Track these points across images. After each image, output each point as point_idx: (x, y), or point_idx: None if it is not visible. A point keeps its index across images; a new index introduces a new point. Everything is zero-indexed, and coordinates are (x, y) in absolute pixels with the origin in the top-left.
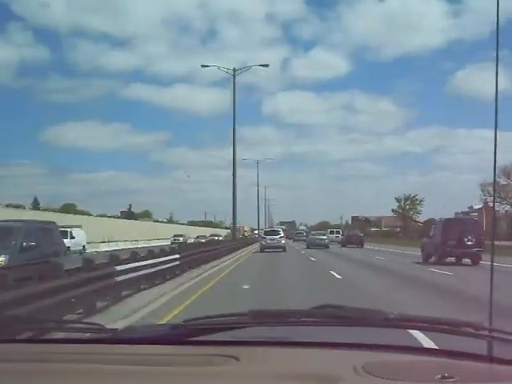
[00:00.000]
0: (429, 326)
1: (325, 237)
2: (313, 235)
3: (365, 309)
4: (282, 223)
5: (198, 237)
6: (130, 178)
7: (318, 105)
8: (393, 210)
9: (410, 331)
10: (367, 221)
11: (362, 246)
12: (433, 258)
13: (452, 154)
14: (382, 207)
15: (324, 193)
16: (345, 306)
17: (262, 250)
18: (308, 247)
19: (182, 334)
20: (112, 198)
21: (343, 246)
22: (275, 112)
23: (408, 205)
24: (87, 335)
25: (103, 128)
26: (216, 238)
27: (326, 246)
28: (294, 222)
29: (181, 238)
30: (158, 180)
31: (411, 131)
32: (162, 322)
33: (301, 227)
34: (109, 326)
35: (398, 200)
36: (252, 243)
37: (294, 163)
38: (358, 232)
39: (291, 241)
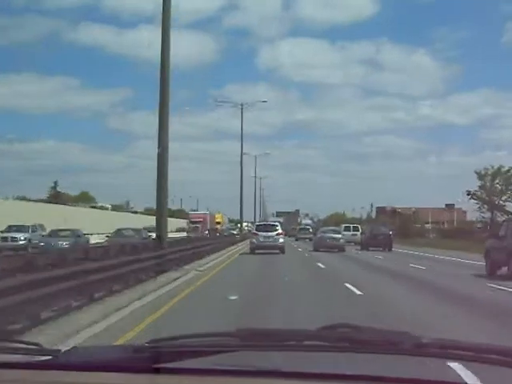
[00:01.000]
0: (474, 355)
1: (339, 235)
2: (323, 232)
3: (389, 331)
4: (279, 214)
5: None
6: (76, 150)
7: (331, 57)
8: (470, 194)
9: (449, 362)
10: (397, 213)
11: (390, 249)
12: (504, 270)
13: (508, 128)
14: (413, 196)
15: (337, 176)
16: (363, 327)
17: (252, 251)
18: (316, 249)
19: (146, 359)
20: (51, 176)
21: (364, 248)
22: (274, 66)
23: (499, 183)
24: (21, 358)
25: (42, 83)
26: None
27: (341, 249)
28: (297, 211)
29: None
30: (114, 154)
31: (454, 96)
32: (120, 343)
33: (305, 221)
34: (49, 347)
35: (480, 176)
36: (233, 244)
37: (297, 135)
38: (385, 228)
39: (292, 239)
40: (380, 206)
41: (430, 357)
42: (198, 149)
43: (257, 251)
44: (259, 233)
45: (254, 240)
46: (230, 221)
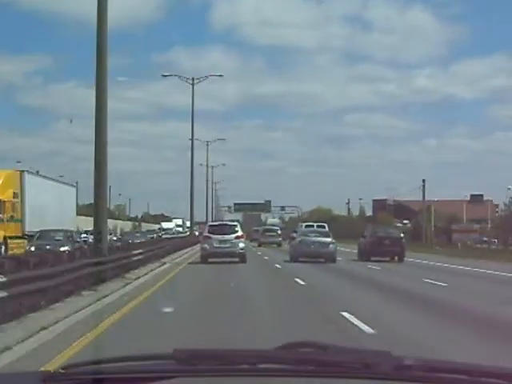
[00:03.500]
0: (466, 379)
1: (329, 239)
2: (304, 235)
3: (364, 350)
4: (239, 208)
5: None
6: None
7: (305, 14)
8: None
9: None
10: (403, 208)
11: (402, 260)
12: None
13: None
14: (409, 188)
15: (312, 164)
16: (330, 345)
17: (204, 260)
18: (294, 259)
19: None
20: None
21: (364, 257)
22: (232, 25)
23: None
24: None
25: None
26: None
27: (331, 258)
28: (267, 202)
29: None
30: (28, 136)
31: (458, 63)
32: (30, 370)
33: (271, 219)
34: None
35: None
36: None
37: (261, 113)
38: (394, 230)
39: (255, 244)
40: (379, 198)
41: (412, 382)
42: (137, 130)
43: (210, 260)
44: (213, 236)
45: (206, 245)
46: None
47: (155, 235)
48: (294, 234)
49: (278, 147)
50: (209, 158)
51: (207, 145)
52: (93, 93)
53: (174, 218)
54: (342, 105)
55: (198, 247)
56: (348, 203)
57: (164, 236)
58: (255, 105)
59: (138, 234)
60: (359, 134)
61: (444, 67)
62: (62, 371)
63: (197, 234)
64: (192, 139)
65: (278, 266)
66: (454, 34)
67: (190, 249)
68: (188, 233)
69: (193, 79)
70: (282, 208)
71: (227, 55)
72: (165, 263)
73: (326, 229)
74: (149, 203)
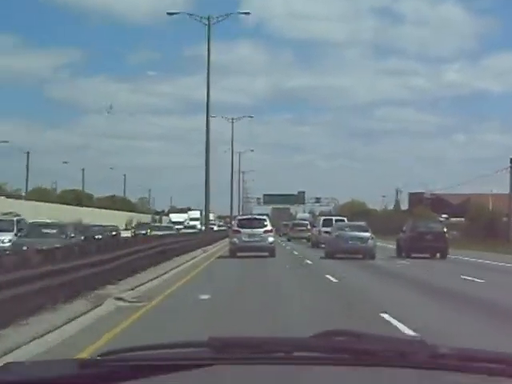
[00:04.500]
0: (504, 368)
1: (367, 234)
2: (341, 229)
3: (399, 339)
4: (269, 200)
5: None
6: (10, 126)
7: (334, 7)
8: None
9: (473, 375)
10: (441, 202)
11: (445, 256)
12: None
13: None
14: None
15: (340, 157)
16: (366, 334)
17: (232, 254)
18: (330, 255)
19: (96, 377)
20: None
21: (403, 254)
22: (262, 18)
23: None
24: None
25: None
26: None
27: (370, 255)
28: (300, 194)
29: None
30: (57, 130)
31: (488, 57)
32: (65, 358)
33: (301, 214)
34: None
35: None
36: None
37: (290, 106)
38: (437, 225)
39: (284, 239)
40: (416, 191)
41: (448, 370)
42: (166, 124)
43: (239, 254)
44: (242, 230)
45: (236, 239)
46: (219, 217)
47: (147, 231)
48: (314, 229)
49: (307, 141)
50: (238, 153)
51: (232, 122)
52: (120, 87)
53: (191, 210)
54: (371, 99)
55: (214, 248)
56: (384, 196)
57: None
58: (284, 99)
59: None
60: (388, 128)
61: (474, 61)
62: (99, 358)
63: (214, 228)
64: (208, 98)
65: (308, 261)
66: (484, 28)
67: (200, 251)
68: (199, 227)
69: (208, 19)
70: (317, 200)
71: (256, 49)
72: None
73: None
74: (172, 197)
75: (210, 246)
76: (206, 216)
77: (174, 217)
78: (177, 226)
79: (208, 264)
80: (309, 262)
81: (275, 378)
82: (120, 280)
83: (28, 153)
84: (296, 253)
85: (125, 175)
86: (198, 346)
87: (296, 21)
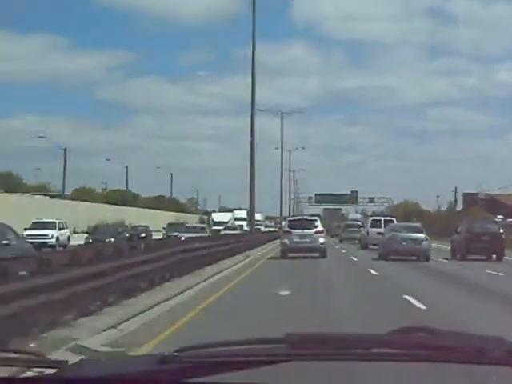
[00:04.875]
0: None
1: (422, 235)
2: (395, 231)
3: (477, 336)
4: (321, 199)
5: None
6: (62, 127)
7: (386, 8)
8: None
9: None
10: (496, 202)
11: (501, 258)
12: None
13: None
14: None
15: (390, 158)
16: (443, 331)
17: (283, 254)
18: (383, 257)
19: (173, 373)
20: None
21: (458, 255)
22: (313, 19)
23: None
24: (21, 371)
25: (18, 42)
26: None
27: (425, 256)
28: (353, 193)
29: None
30: (110, 131)
31: None
32: (140, 353)
33: (352, 215)
34: (55, 358)
35: None
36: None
37: (341, 107)
38: (492, 225)
39: (336, 240)
40: (468, 192)
41: None
42: (216, 125)
43: (290, 255)
44: (293, 231)
45: (286, 240)
46: (267, 217)
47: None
48: (363, 229)
49: (358, 141)
50: (288, 151)
51: (281, 116)
52: (171, 87)
53: (237, 209)
54: (423, 99)
55: (261, 252)
56: (438, 197)
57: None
58: (335, 99)
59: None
60: (439, 128)
61: None
62: (176, 354)
63: (261, 229)
64: (253, 96)
65: (370, 270)
66: None
67: (242, 256)
68: (245, 228)
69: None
70: (371, 199)
71: (308, 50)
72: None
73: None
74: (223, 197)
75: (257, 249)
76: (251, 216)
77: (217, 216)
78: (217, 227)
79: (250, 273)
80: (371, 270)
81: (353, 374)
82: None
83: (65, 149)
84: (349, 254)
85: (171, 174)
86: (275, 343)
87: (347, 22)
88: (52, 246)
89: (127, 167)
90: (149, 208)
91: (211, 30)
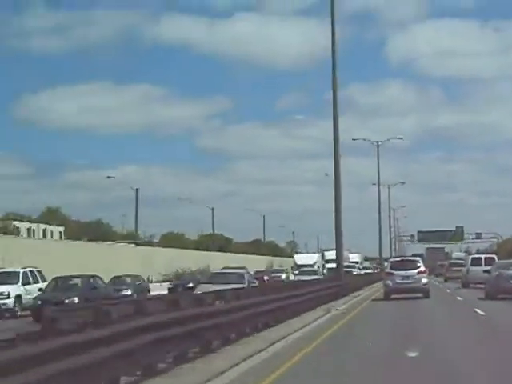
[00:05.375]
0: None
1: None
2: (502, 268)
3: None
4: (424, 237)
5: None
6: (161, 176)
7: (483, 43)
8: None
9: None
10: None
11: None
12: None
13: None
14: None
15: (492, 195)
16: None
17: (386, 296)
18: (491, 296)
19: None
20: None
21: None
22: (408, 58)
23: None
24: None
25: (118, 93)
26: None
27: None
28: (458, 229)
29: None
30: (208, 178)
31: None
32: None
33: (457, 253)
34: None
35: None
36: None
37: (439, 145)
38: None
39: (440, 279)
40: None
41: None
42: (313, 168)
43: (393, 296)
44: (395, 272)
45: (389, 281)
46: (366, 259)
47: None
48: (463, 268)
49: (458, 179)
50: (389, 194)
51: (377, 146)
52: (269, 132)
53: (327, 250)
54: None
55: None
56: None
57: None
58: (433, 137)
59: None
60: None
61: None
62: None
63: (353, 272)
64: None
65: (478, 310)
66: None
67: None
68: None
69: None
70: (478, 235)
71: (404, 88)
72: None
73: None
74: (320, 239)
75: (344, 299)
76: (339, 258)
77: (301, 258)
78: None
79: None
80: (478, 310)
81: None
82: None
83: (137, 189)
84: (459, 298)
85: (264, 216)
86: None
87: (443, 58)
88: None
89: (213, 209)
90: (243, 253)
91: (305, 74)
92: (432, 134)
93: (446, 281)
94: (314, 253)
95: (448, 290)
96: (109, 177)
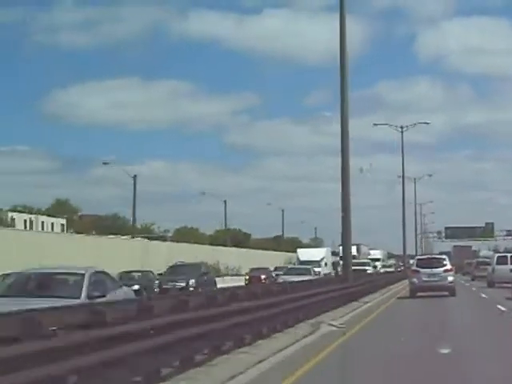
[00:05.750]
0: None
1: None
2: None
3: None
4: (451, 233)
5: None
6: (188, 172)
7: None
8: None
9: None
10: None
11: None
12: None
13: None
14: None
15: None
16: None
17: (412, 294)
18: None
19: None
20: (158, 206)
21: None
22: (437, 54)
23: None
24: None
25: (146, 89)
26: None
27: None
28: (488, 225)
29: None
30: (237, 175)
31: None
32: None
33: (485, 252)
34: None
35: None
36: None
37: (468, 143)
38: None
39: (467, 278)
40: None
41: None
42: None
43: (419, 294)
44: (421, 270)
45: (415, 279)
46: (390, 256)
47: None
48: (489, 267)
49: (487, 177)
50: (416, 193)
51: (402, 132)
52: (298, 129)
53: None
54: None
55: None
56: None
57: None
58: (462, 135)
59: None
60: None
61: None
62: None
63: (367, 270)
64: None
65: (500, 307)
66: None
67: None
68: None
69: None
70: (509, 232)
71: (433, 85)
72: None
73: None
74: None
75: (342, 310)
76: (346, 255)
77: (304, 253)
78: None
79: None
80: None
81: None
82: None
83: (135, 176)
84: (484, 296)
85: (283, 210)
86: None
87: (473, 56)
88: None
89: (225, 201)
90: (263, 249)
91: (333, 71)
92: (461, 131)
93: (472, 279)
94: (324, 247)
95: (474, 289)
96: (105, 163)
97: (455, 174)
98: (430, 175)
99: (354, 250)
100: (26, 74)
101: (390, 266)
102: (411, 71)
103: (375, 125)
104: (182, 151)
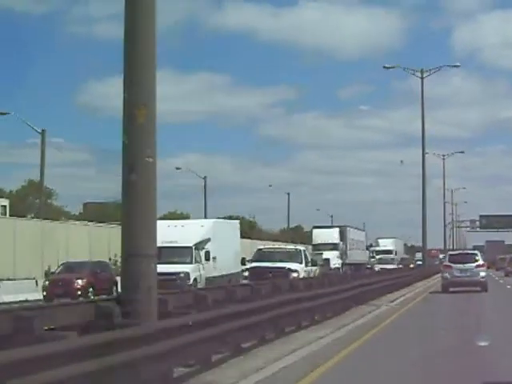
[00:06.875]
0: None
1: None
2: None
3: None
4: (483, 222)
5: None
6: (225, 164)
7: None
8: None
9: None
10: None
11: None
12: None
13: None
14: None
15: None
16: None
17: (444, 289)
18: None
19: None
20: (195, 200)
21: None
22: (473, 48)
23: None
24: None
25: (181, 81)
26: None
27: None
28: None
29: None
30: (272, 168)
31: None
32: None
33: None
34: None
35: None
36: None
37: (504, 137)
38: None
39: (500, 273)
40: None
41: None
42: (378, 159)
43: (451, 289)
44: (453, 265)
45: (447, 274)
46: (413, 247)
47: None
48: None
49: None
50: (450, 185)
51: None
52: (333, 122)
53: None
54: None
55: None
56: None
57: None
58: (498, 129)
59: None
60: None
61: None
62: None
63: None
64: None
65: None
66: None
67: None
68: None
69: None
70: None
71: (469, 79)
72: None
73: None
74: (384, 230)
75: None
76: (423, 251)
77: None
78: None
79: None
80: None
81: None
82: None
83: (205, 177)
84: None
85: (288, 194)
86: None
87: (509, 49)
88: None
89: (205, 178)
90: (275, 240)
91: (370, 64)
92: (497, 126)
93: (507, 275)
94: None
95: (508, 286)
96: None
97: (489, 168)
98: (462, 152)
99: (336, 234)
100: (64, 64)
101: (407, 263)
102: (447, 64)
103: (385, 67)
104: (217, 144)
